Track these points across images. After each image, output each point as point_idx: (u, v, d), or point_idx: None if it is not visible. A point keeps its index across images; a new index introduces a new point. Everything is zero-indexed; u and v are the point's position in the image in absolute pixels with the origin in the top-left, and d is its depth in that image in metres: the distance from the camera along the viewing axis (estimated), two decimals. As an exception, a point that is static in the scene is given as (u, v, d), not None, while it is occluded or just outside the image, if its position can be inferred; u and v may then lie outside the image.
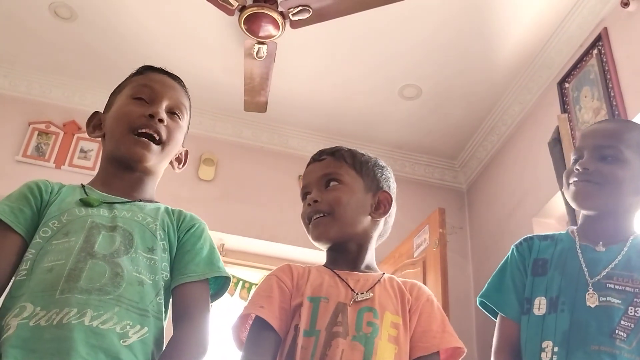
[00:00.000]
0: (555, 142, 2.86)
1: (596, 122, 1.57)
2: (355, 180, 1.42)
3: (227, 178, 3.61)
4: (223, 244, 3.44)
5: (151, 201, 1.39)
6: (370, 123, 3.74)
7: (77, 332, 1.09)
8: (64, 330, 1.09)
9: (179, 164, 1.49)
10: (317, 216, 1.37)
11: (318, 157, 1.46)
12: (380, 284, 1.33)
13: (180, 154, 1.48)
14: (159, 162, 1.39)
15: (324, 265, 1.40)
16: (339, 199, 1.38)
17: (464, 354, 1.32)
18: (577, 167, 1.37)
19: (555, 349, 1.23)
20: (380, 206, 1.47)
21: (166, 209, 1.37)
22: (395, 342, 1.26)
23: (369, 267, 1.40)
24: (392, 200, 1.50)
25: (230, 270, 3.37)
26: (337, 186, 1.40)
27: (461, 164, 3.99)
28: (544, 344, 1.26)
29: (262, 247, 3.47)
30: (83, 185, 1.36)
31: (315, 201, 1.37)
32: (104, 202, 1.30)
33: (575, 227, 1.44)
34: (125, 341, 1.13)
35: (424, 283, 2.92)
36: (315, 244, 1.40)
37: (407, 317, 1.30)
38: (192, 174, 3.56)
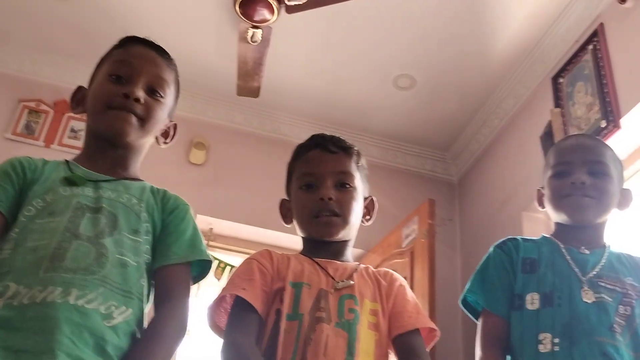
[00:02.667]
0: (548, 137, 2.87)
1: (569, 137, 1.70)
2: (359, 185, 1.44)
3: (218, 162, 3.59)
4: (211, 228, 3.43)
5: (136, 179, 1.37)
6: (363, 112, 3.73)
7: (62, 310, 1.09)
8: (48, 309, 1.08)
9: (166, 138, 1.46)
10: (328, 214, 1.36)
11: (330, 149, 1.44)
12: (357, 273, 1.36)
13: (168, 127, 1.45)
14: (139, 137, 1.36)
15: (301, 253, 1.41)
16: (351, 204, 1.39)
17: (438, 336, 1.36)
18: (573, 182, 1.43)
19: (556, 340, 1.28)
20: (370, 212, 1.50)
21: (151, 189, 1.36)
22: (375, 329, 1.28)
23: (346, 258, 1.42)
24: (376, 207, 1.52)
25: (219, 255, 3.39)
26: (350, 190, 1.41)
27: (453, 156, 3.99)
28: (540, 336, 1.30)
29: (251, 232, 3.47)
30: (67, 162, 1.34)
31: (330, 199, 1.36)
32: (89, 180, 1.29)
33: (549, 235, 1.51)
34: (109, 322, 1.13)
35: (412, 274, 2.93)
36: (312, 236, 1.40)
37: (384, 304, 1.33)
38: (183, 158, 3.54)
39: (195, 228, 1.36)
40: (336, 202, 1.37)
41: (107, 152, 1.36)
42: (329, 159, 1.42)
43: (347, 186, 1.40)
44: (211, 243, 3.41)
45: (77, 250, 1.16)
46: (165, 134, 1.46)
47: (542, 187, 1.57)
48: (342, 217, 1.37)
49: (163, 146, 1.47)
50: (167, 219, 1.33)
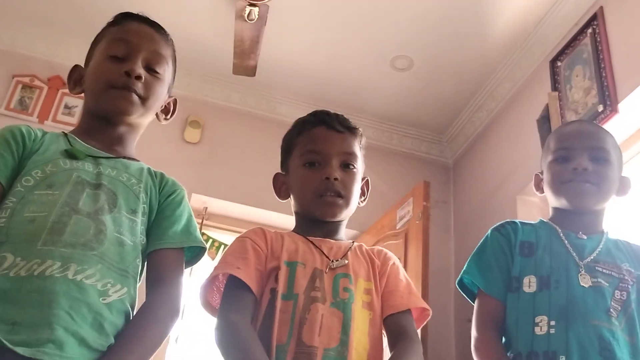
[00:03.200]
0: (544, 120, 2.86)
1: (570, 123, 1.72)
2: (360, 167, 1.43)
3: (213, 141, 3.58)
4: (206, 207, 3.43)
5: (133, 159, 1.37)
6: (360, 93, 3.71)
7: (60, 285, 1.09)
8: (46, 283, 1.08)
9: (167, 114, 1.45)
10: (332, 195, 1.35)
11: (337, 128, 1.42)
12: (352, 252, 1.36)
13: (168, 103, 1.45)
14: (141, 116, 1.36)
15: (294, 231, 1.41)
16: (353, 186, 1.39)
17: (430, 316, 1.36)
18: (575, 167, 1.43)
19: (552, 323, 1.29)
20: (364, 194, 1.49)
21: (149, 171, 1.36)
22: (369, 308, 1.29)
23: (340, 237, 1.42)
24: (369, 188, 1.52)
25: (213, 234, 3.39)
26: (353, 171, 1.40)
27: (449, 138, 3.98)
28: (537, 319, 1.32)
29: (245, 212, 3.47)
30: (66, 134, 1.33)
31: (336, 179, 1.35)
32: (89, 156, 1.28)
33: (547, 219, 1.52)
34: (105, 299, 1.14)
35: (405, 255, 2.94)
36: (313, 215, 1.39)
37: (377, 282, 1.33)
38: (178, 136, 3.52)
39: (190, 214, 1.37)
40: (341, 183, 1.36)
41: (106, 130, 1.35)
42: (335, 138, 1.40)
43: (351, 167, 1.40)
44: (206, 222, 3.41)
45: (76, 225, 1.16)
46: (165, 110, 1.45)
47: (541, 172, 1.57)
48: (345, 198, 1.36)
49: (164, 122, 1.47)
50: (164, 203, 1.33)
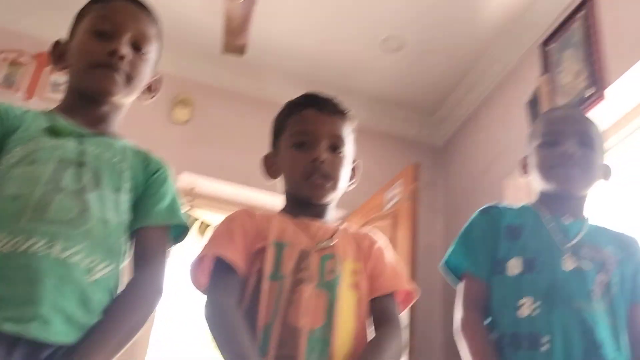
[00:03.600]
0: (533, 104, 2.87)
1: (557, 108, 1.78)
2: (350, 151, 1.43)
3: (203, 121, 3.55)
4: (193, 188, 3.41)
5: (117, 136, 1.36)
6: (350, 73, 3.70)
7: (45, 263, 1.08)
8: (31, 260, 1.08)
9: (151, 92, 1.44)
10: (320, 177, 1.35)
11: (327, 110, 1.42)
12: (339, 233, 1.36)
13: (152, 82, 1.44)
14: (125, 95, 1.35)
15: (282, 212, 1.40)
16: (342, 169, 1.39)
17: (416, 297, 1.38)
18: (564, 152, 1.44)
19: (536, 305, 1.31)
20: (354, 177, 1.49)
21: (133, 148, 1.36)
22: (355, 289, 1.29)
23: (328, 218, 1.42)
24: (359, 172, 1.52)
25: (201, 214, 3.38)
26: (342, 154, 1.39)
27: (439, 120, 3.98)
28: (521, 301, 1.34)
29: (234, 192, 3.46)
30: (48, 112, 1.32)
31: (323, 162, 1.35)
32: (72, 133, 1.27)
33: (532, 203, 1.54)
34: (90, 277, 1.14)
35: (394, 237, 2.95)
36: (300, 197, 1.39)
37: (364, 264, 1.34)
38: (166, 115, 3.49)
39: (175, 192, 1.37)
40: (329, 166, 1.35)
41: (90, 108, 1.34)
42: (325, 120, 1.40)
43: (340, 150, 1.39)
44: (194, 202, 3.40)
45: (60, 204, 1.15)
46: (149, 89, 1.44)
47: (527, 156, 1.58)
48: (333, 181, 1.36)
49: (147, 101, 1.45)
50: (149, 181, 1.33)
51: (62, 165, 1.21)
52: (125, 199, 1.27)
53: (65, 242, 1.12)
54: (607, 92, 2.46)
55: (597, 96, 2.47)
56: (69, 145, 1.25)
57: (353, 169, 1.48)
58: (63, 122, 1.29)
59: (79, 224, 1.16)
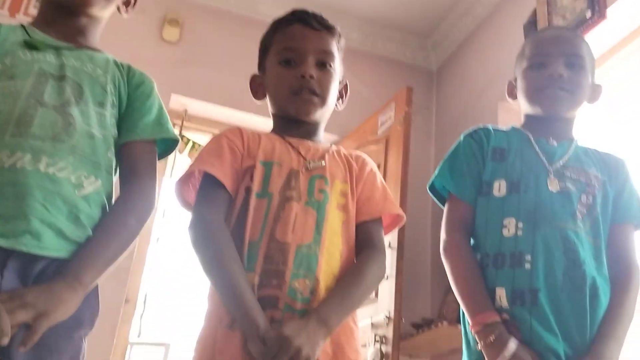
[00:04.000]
0: (531, 26, 2.81)
1: (546, 29, 1.71)
2: (338, 67, 1.41)
3: (193, 41, 3.46)
4: (185, 110, 3.37)
5: (97, 50, 1.33)
6: (344, -7, 3.59)
7: (32, 177, 1.08)
8: (18, 175, 1.08)
9: (127, 6, 1.41)
10: (308, 92, 1.33)
11: (313, 26, 1.38)
12: (329, 154, 1.36)
13: None
14: (103, 7, 1.32)
15: (272, 132, 1.39)
16: (330, 85, 1.37)
17: (404, 221, 1.40)
18: (551, 74, 1.43)
19: (520, 225, 1.33)
20: (342, 97, 1.48)
21: (115, 62, 1.33)
22: (343, 210, 1.30)
23: (318, 138, 1.41)
24: (348, 92, 1.50)
25: (192, 136, 3.36)
26: (330, 70, 1.37)
27: (434, 43, 3.90)
28: (505, 221, 1.35)
29: (225, 114, 3.42)
30: (23, 26, 1.28)
31: (312, 77, 1.33)
32: (50, 46, 1.24)
33: (519, 126, 1.54)
34: (80, 192, 1.14)
35: (386, 161, 2.96)
36: (288, 114, 1.37)
37: (353, 186, 1.34)
38: (156, 35, 3.40)
39: (161, 105, 1.35)
40: (317, 81, 1.34)
41: (67, 20, 1.30)
42: (311, 36, 1.37)
43: (328, 66, 1.37)
44: (185, 124, 3.37)
45: (43, 118, 1.14)
46: (126, 2, 1.40)
47: (514, 79, 1.56)
48: (321, 97, 1.35)
49: (125, 15, 1.42)
50: (133, 95, 1.31)
51: (42, 79, 1.18)
52: (109, 114, 1.25)
53: (50, 158, 1.11)
54: (609, 11, 2.41)
55: (598, 16, 2.42)
56: (48, 58, 1.22)
57: (342, 90, 1.46)
58: (40, 34, 1.26)
59: (64, 138, 1.14)
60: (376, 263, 1.29)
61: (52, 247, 1.08)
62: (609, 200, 1.41)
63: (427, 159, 3.58)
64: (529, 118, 1.53)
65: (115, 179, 1.28)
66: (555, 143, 1.46)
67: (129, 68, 1.34)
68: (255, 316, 1.11)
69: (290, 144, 1.34)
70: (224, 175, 1.26)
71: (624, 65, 2.55)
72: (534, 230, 1.32)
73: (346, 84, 1.48)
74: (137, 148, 1.28)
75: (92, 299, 1.16)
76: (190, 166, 1.31)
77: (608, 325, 1.28)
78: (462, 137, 1.52)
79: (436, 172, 1.51)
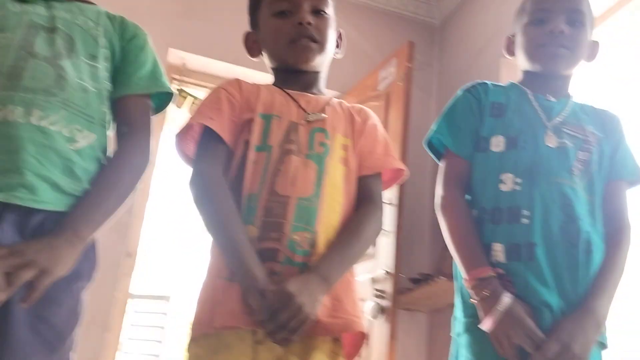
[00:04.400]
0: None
1: None
2: (333, 14, 1.39)
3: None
4: (184, 64, 3.33)
5: (89, 2, 1.31)
6: (346, -55, 3.51)
7: (25, 131, 1.08)
8: (10, 128, 1.07)
9: None
10: (306, 39, 1.32)
11: None
12: (330, 106, 1.34)
13: None
14: None
15: (273, 84, 1.38)
16: (327, 31, 1.35)
17: (405, 174, 1.41)
18: (552, 30, 1.40)
19: (518, 180, 1.33)
20: (340, 43, 1.46)
21: (107, 14, 1.31)
22: (344, 164, 1.30)
23: (319, 90, 1.40)
24: (344, 41, 1.48)
25: (192, 90, 3.33)
26: (326, 17, 1.36)
27: (437, -3, 3.84)
28: (502, 177, 1.35)
29: (226, 69, 3.38)
30: None
31: (309, 23, 1.31)
32: None
33: (517, 82, 1.52)
34: (73, 145, 1.13)
35: (386, 117, 2.94)
36: (287, 64, 1.36)
37: (355, 139, 1.34)
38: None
39: (155, 58, 1.33)
40: (314, 28, 1.32)
41: None
42: None
43: (323, 13, 1.35)
44: (184, 79, 3.34)
45: (35, 70, 1.13)
46: None
47: (513, 35, 1.54)
48: (320, 43, 1.34)
49: None
50: (127, 47, 1.29)
51: (32, 31, 1.17)
52: (102, 67, 1.24)
53: (43, 110, 1.10)
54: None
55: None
56: (38, 10, 1.20)
57: (338, 38, 1.44)
58: None
59: (56, 92, 1.13)
60: (374, 218, 1.30)
61: (49, 200, 1.09)
62: (605, 157, 1.41)
63: (428, 115, 3.55)
64: (527, 74, 1.51)
65: (110, 133, 1.27)
66: (553, 99, 1.45)
67: (122, 20, 1.32)
68: (254, 269, 1.12)
69: (290, 96, 1.32)
70: (223, 128, 1.25)
71: (623, 24, 2.51)
72: (531, 185, 1.32)
73: (341, 33, 1.46)
74: (132, 102, 1.27)
75: (90, 253, 1.17)
76: (189, 119, 1.30)
77: (600, 280, 1.29)
78: (459, 92, 1.51)
79: (433, 127, 1.50)
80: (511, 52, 1.55)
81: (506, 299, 1.22)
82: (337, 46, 1.44)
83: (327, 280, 1.15)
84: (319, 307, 1.13)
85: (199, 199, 1.22)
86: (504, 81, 2.51)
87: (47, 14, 1.20)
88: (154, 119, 1.33)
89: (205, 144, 1.27)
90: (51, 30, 1.19)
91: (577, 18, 1.44)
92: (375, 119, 1.41)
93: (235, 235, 1.16)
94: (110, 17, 1.30)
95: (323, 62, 1.38)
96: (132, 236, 2.98)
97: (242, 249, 1.14)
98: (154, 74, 1.31)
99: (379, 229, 1.31)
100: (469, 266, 1.31)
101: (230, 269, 1.16)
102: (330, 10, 1.37)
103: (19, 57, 1.12)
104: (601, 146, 1.42)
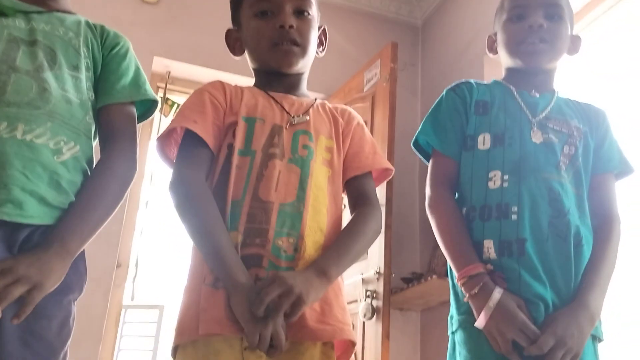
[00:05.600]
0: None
1: None
2: (316, 14, 1.37)
3: (173, 1, 3.40)
4: (169, 72, 3.33)
5: (68, 12, 1.30)
6: (326, -52, 3.52)
7: (10, 146, 1.07)
8: None
9: None
10: (288, 43, 1.30)
11: None
12: (314, 109, 1.33)
13: None
14: None
15: (255, 86, 1.37)
16: (310, 33, 1.33)
17: (392, 173, 1.41)
18: (531, 25, 1.41)
19: (505, 177, 1.34)
20: (323, 43, 1.44)
21: (87, 23, 1.29)
22: (329, 166, 1.29)
23: (302, 92, 1.38)
24: (327, 37, 1.46)
25: (177, 98, 3.33)
26: (308, 18, 1.33)
27: (418, -3, 3.86)
28: (490, 174, 1.36)
29: (210, 75, 3.39)
30: None
31: (291, 27, 1.29)
32: (19, 11, 1.21)
33: (500, 79, 1.53)
34: (59, 157, 1.13)
35: (372, 118, 2.95)
36: (269, 67, 1.34)
37: (340, 141, 1.33)
38: (135, -5, 3.33)
39: (138, 66, 1.32)
40: (296, 31, 1.30)
41: None
42: None
43: (306, 14, 1.33)
44: (170, 87, 3.33)
45: (17, 84, 1.12)
46: None
47: (494, 33, 1.56)
48: (302, 46, 1.32)
49: None
50: (108, 56, 1.28)
51: (12, 45, 1.16)
52: (85, 77, 1.23)
53: (28, 124, 1.10)
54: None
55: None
56: (18, 24, 1.19)
57: (321, 35, 1.43)
58: (6, 0, 1.22)
59: (40, 104, 1.13)
60: (373, 218, 1.29)
61: (35, 214, 1.08)
62: (590, 151, 1.43)
63: (414, 115, 3.57)
64: (510, 71, 1.52)
65: (95, 143, 1.27)
66: (537, 95, 1.46)
67: (102, 28, 1.31)
68: (239, 275, 1.11)
69: (273, 98, 1.31)
70: (206, 132, 1.23)
71: (606, 18, 2.53)
72: (519, 181, 1.33)
73: (324, 29, 1.44)
74: (116, 111, 1.26)
75: (79, 264, 1.16)
76: (172, 122, 1.28)
77: (592, 273, 1.30)
78: (444, 92, 1.52)
79: (420, 128, 1.51)
80: (494, 50, 1.56)
81: (496, 294, 1.23)
82: (321, 43, 1.43)
83: (325, 273, 1.15)
84: (316, 294, 1.12)
85: (182, 205, 1.20)
86: (487, 79, 2.54)
87: (27, 27, 1.20)
88: (142, 128, 1.33)
89: (187, 148, 1.25)
90: (32, 43, 1.18)
91: (555, 12, 1.45)
92: (358, 118, 1.40)
93: (219, 241, 1.14)
94: (91, 27, 1.29)
95: (306, 64, 1.37)
96: (124, 246, 2.96)
97: (226, 256, 1.13)
98: (137, 82, 1.30)
99: (378, 229, 1.30)
100: (459, 264, 1.31)
101: (214, 275, 1.15)
102: (313, 10, 1.35)
103: (1, 71, 1.12)
104: (586, 140, 1.43)
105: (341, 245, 1.21)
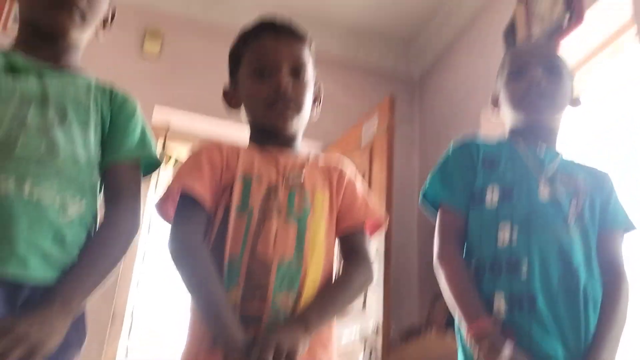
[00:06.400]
0: (510, 32, 2.84)
1: (524, 44, 1.71)
2: (311, 74, 1.39)
3: (174, 54, 3.45)
4: (169, 126, 3.34)
5: (79, 71, 1.32)
6: (325, 3, 3.59)
7: (17, 206, 1.08)
8: (2, 202, 1.07)
9: (104, 26, 1.39)
10: (283, 105, 1.31)
11: (285, 35, 1.37)
12: (308, 165, 1.34)
13: (107, 15, 1.38)
14: (81, 32, 1.31)
15: (250, 141, 1.38)
16: (305, 95, 1.35)
17: (387, 222, 1.41)
18: (530, 80, 1.45)
19: (515, 233, 1.35)
20: (317, 100, 1.45)
21: (97, 82, 1.32)
22: (325, 220, 1.30)
23: (297, 148, 1.40)
24: (322, 94, 1.48)
25: (176, 152, 3.33)
26: (305, 80, 1.35)
27: (415, 52, 3.93)
28: (500, 225, 1.37)
29: (210, 128, 3.40)
30: (4, 50, 1.27)
31: (286, 89, 1.31)
32: (32, 70, 1.23)
33: (506, 138, 1.55)
34: (64, 216, 1.13)
35: (370, 171, 2.96)
36: (265, 126, 1.36)
37: (334, 194, 1.34)
38: (136, 48, 3.38)
39: (144, 126, 1.34)
40: (292, 92, 1.32)
41: (47, 44, 1.29)
42: (283, 46, 1.35)
43: (302, 75, 1.35)
44: (169, 140, 3.35)
45: (27, 140, 1.14)
46: (103, 23, 1.38)
47: (497, 93, 1.60)
48: (297, 108, 1.33)
49: (102, 40, 1.41)
50: (116, 115, 1.30)
51: (24, 103, 1.18)
52: (93, 135, 1.24)
53: (35, 180, 1.11)
54: (586, 15, 2.44)
55: (576, 19, 2.45)
56: (30, 82, 1.21)
57: (317, 92, 1.44)
58: (21, 58, 1.25)
59: (48, 161, 1.14)
60: (361, 269, 1.29)
61: (39, 271, 1.08)
62: (596, 206, 1.43)
63: (412, 168, 3.59)
64: (514, 128, 1.54)
65: (100, 198, 1.27)
66: (543, 151, 1.47)
67: (112, 88, 1.33)
68: (236, 334, 1.10)
69: (268, 156, 1.32)
70: (203, 193, 1.24)
71: (602, 70, 2.58)
72: (528, 237, 1.33)
73: (320, 86, 1.45)
74: (121, 169, 1.28)
75: (79, 322, 1.15)
76: (169, 184, 1.29)
77: (603, 330, 1.29)
78: (451, 146, 1.53)
79: (427, 183, 1.51)
80: (497, 108, 1.59)
81: (507, 350, 1.21)
82: (316, 100, 1.44)
83: (304, 322, 1.15)
84: (302, 345, 1.11)
85: (178, 265, 1.20)
86: (484, 132, 2.56)
87: (38, 86, 1.22)
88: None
89: (184, 209, 1.25)
90: (43, 101, 1.20)
91: (553, 68, 1.49)
92: (350, 173, 1.41)
93: (216, 300, 1.14)
94: (100, 86, 1.32)
95: (301, 123, 1.38)
96: (119, 299, 2.92)
97: (223, 315, 1.13)
98: (143, 141, 1.32)
99: (367, 280, 1.30)
100: (468, 319, 1.30)
101: (211, 335, 1.14)
102: (308, 71, 1.37)
103: (12, 128, 1.13)
104: (592, 196, 1.44)
105: (323, 296, 1.22)
